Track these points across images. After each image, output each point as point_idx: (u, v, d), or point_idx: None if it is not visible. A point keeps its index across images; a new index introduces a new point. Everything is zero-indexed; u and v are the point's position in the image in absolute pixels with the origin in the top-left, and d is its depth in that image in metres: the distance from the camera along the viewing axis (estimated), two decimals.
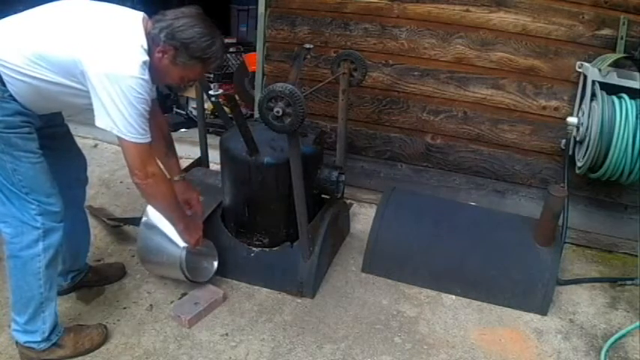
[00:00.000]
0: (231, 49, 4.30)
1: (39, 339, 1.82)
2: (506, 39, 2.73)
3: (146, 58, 1.63)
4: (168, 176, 2.15)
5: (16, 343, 1.85)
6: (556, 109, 2.77)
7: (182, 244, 2.11)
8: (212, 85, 2.26)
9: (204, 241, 2.19)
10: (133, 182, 1.77)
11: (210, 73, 4.17)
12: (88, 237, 2.24)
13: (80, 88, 1.63)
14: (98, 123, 1.64)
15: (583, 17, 2.60)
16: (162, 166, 1.92)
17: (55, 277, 1.87)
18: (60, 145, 1.95)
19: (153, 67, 1.68)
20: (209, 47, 1.70)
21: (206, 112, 3.41)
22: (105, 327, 2.01)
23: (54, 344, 1.86)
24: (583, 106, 2.55)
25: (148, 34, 1.67)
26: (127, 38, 1.63)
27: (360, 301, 2.34)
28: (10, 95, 1.62)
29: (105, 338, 1.98)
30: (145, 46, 1.65)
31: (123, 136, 1.64)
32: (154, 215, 2.14)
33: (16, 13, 1.68)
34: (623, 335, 2.16)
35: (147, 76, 1.63)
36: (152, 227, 2.17)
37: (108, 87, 1.57)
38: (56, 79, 1.62)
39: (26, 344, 1.83)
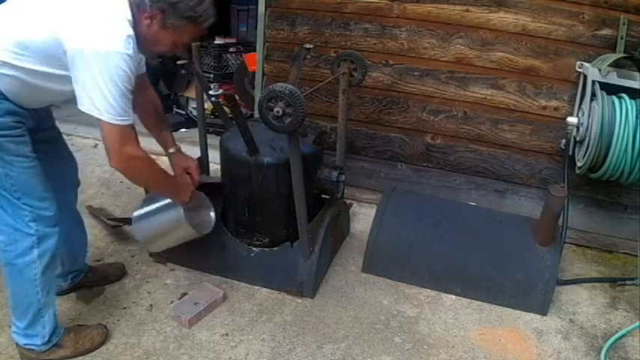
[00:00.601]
0: (231, 49, 4.30)
1: (39, 342, 1.82)
2: (506, 39, 2.73)
3: (131, 31, 1.57)
4: (164, 150, 2.16)
5: (16, 344, 1.85)
6: (556, 109, 2.77)
7: (180, 211, 2.09)
8: (212, 85, 2.26)
9: (196, 194, 2.17)
10: (110, 166, 1.69)
11: (210, 73, 4.18)
12: (85, 238, 2.23)
13: (67, 74, 1.58)
14: (80, 106, 1.58)
15: (583, 17, 2.60)
16: (147, 144, 1.84)
17: (53, 282, 1.86)
18: (52, 148, 1.91)
19: (142, 37, 1.63)
20: (198, 4, 1.64)
21: (206, 112, 3.41)
22: (105, 327, 2.01)
23: (54, 345, 1.86)
24: (583, 106, 2.55)
25: (132, 4, 1.60)
26: (109, 11, 1.56)
27: (360, 301, 2.34)
28: (1, 93, 1.58)
29: (105, 338, 1.98)
30: (129, 16, 1.58)
31: (101, 117, 1.58)
32: (142, 205, 2.16)
33: None
34: (623, 335, 2.16)
35: (132, 51, 1.56)
36: (143, 215, 2.16)
37: (90, 64, 1.51)
38: (42, 69, 1.58)
39: (26, 346, 1.83)
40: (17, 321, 1.80)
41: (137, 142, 1.73)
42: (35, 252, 1.72)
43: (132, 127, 1.67)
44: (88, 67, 1.52)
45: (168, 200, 2.10)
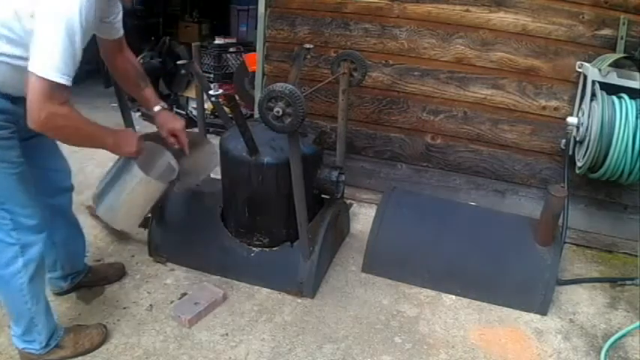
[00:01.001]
0: (231, 49, 4.30)
1: (37, 347, 1.81)
2: (506, 39, 2.73)
3: None
4: (148, 110, 2.02)
5: (16, 347, 1.84)
6: (556, 109, 2.77)
7: (139, 172, 1.84)
8: (212, 85, 2.26)
9: (145, 143, 1.91)
10: (30, 128, 1.50)
11: (210, 73, 4.18)
12: (83, 240, 2.22)
13: None
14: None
15: (583, 17, 2.60)
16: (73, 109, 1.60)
17: (43, 289, 1.82)
18: (44, 154, 1.87)
19: None
20: None
21: (206, 112, 3.41)
22: (105, 327, 2.01)
23: (54, 346, 1.85)
24: (583, 106, 2.55)
25: None
26: None
27: (360, 301, 2.34)
28: None
29: (105, 338, 1.98)
30: None
31: (34, 70, 1.41)
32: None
33: None
34: (623, 335, 2.16)
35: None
36: (101, 193, 1.93)
37: (41, 19, 1.41)
38: (18, 53, 1.49)
39: (25, 350, 1.82)
40: (14, 326, 1.80)
41: (65, 103, 1.50)
42: (20, 261, 1.68)
43: (65, 89, 1.47)
44: (39, 22, 1.42)
45: (119, 164, 1.89)
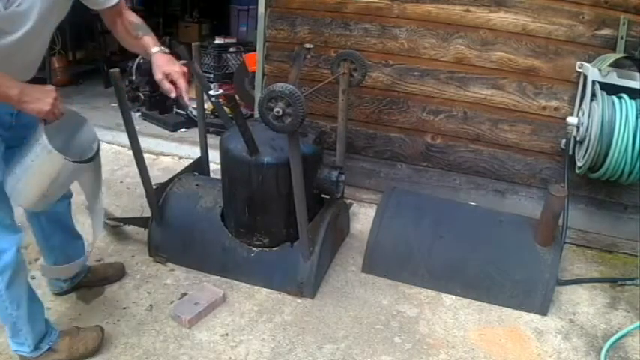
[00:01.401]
0: (231, 49, 4.30)
1: (28, 350, 1.79)
2: (506, 39, 2.73)
3: None
4: (147, 56, 1.83)
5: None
6: (556, 109, 2.77)
7: (42, 136, 1.52)
8: (212, 85, 2.26)
9: (64, 109, 1.58)
10: None
11: (210, 73, 4.18)
12: (82, 243, 2.21)
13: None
14: None
15: (583, 17, 2.60)
16: None
17: (24, 294, 1.74)
18: None
19: None
20: None
21: (206, 112, 3.41)
22: (102, 329, 1.97)
23: (48, 349, 1.83)
24: (583, 106, 2.55)
25: None
26: None
27: (360, 301, 2.34)
28: None
29: (101, 342, 1.94)
30: None
31: None
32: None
33: None
34: (623, 335, 2.16)
35: None
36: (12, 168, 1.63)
37: None
38: None
39: (17, 352, 1.81)
40: (6, 328, 1.78)
41: None
42: None
43: None
44: None
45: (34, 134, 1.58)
